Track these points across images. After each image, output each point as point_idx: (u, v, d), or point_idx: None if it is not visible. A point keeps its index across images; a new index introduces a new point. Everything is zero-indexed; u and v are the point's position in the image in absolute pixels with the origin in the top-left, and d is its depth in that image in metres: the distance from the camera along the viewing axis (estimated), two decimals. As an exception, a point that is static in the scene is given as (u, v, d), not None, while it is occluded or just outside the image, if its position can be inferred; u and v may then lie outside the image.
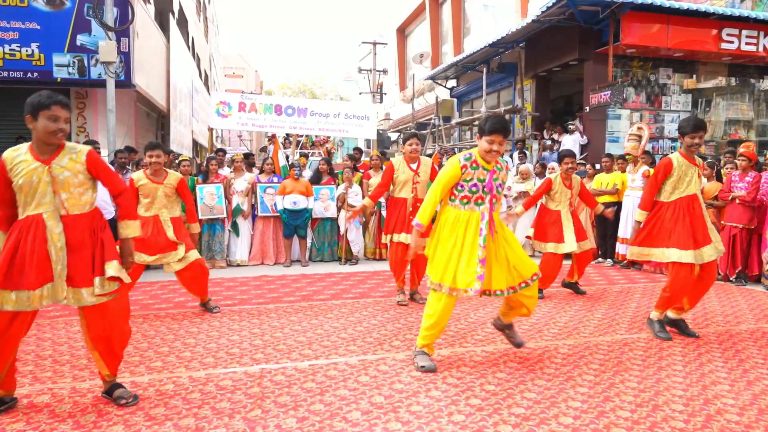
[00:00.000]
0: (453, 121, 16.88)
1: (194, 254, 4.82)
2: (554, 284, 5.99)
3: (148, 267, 6.25)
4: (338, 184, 8.25)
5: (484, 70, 13.84)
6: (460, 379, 3.26)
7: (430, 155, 8.00)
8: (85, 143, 7.09)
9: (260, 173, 8.26)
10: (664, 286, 4.23)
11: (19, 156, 2.75)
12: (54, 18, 9.32)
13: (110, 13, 8.86)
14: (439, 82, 17.80)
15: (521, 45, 13.03)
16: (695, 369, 3.50)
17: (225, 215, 7.65)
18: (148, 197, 4.74)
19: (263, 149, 16.04)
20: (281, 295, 5.75)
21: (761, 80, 12.38)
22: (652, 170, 6.68)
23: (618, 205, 7.84)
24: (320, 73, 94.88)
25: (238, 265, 7.73)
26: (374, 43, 28.31)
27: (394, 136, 26.00)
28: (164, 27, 13.08)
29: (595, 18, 10.34)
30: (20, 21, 9.20)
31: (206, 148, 18.82)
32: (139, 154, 8.46)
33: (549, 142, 11.94)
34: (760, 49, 10.82)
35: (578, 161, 7.48)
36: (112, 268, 2.82)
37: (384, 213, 7.50)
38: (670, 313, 4.32)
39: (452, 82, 18.04)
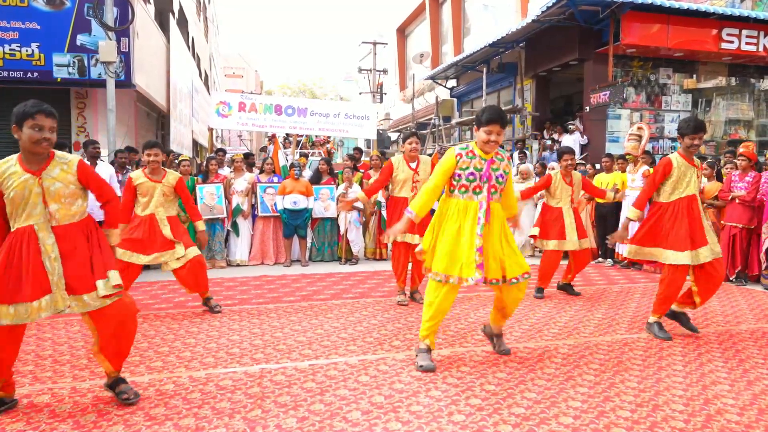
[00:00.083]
0: (453, 121, 16.88)
1: (193, 251, 4.80)
2: (553, 285, 5.99)
3: (148, 267, 6.29)
4: (338, 184, 8.25)
5: (484, 70, 13.84)
6: (460, 379, 3.27)
7: (430, 155, 8.00)
8: (85, 143, 7.13)
9: (260, 173, 8.26)
10: (659, 290, 4.23)
11: (10, 168, 2.71)
12: (54, 18, 9.32)
13: (110, 13, 8.86)
14: (439, 82, 17.80)
15: (521, 45, 13.03)
16: (695, 369, 3.50)
17: (225, 215, 7.65)
18: (146, 196, 4.73)
19: (263, 149, 16.03)
20: (281, 295, 5.75)
21: (761, 80, 12.38)
22: (652, 170, 6.68)
23: (618, 205, 7.84)
24: (320, 73, 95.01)
25: (238, 265, 7.74)
26: (374, 43, 28.31)
27: (394, 136, 26.00)
28: (164, 27, 13.07)
29: (595, 18, 10.34)
30: (20, 21, 9.19)
31: (206, 148, 18.81)
32: (139, 154, 8.46)
33: (549, 142, 11.94)
34: (760, 48, 10.82)
35: (578, 161, 7.49)
36: (113, 277, 2.81)
37: (384, 213, 7.50)
38: (674, 306, 4.32)
39: (452, 82, 18.04)
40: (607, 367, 3.51)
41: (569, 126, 11.93)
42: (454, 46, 19.65)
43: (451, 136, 17.74)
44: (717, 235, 6.93)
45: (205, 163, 8.41)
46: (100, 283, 2.76)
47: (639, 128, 8.04)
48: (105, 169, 6.85)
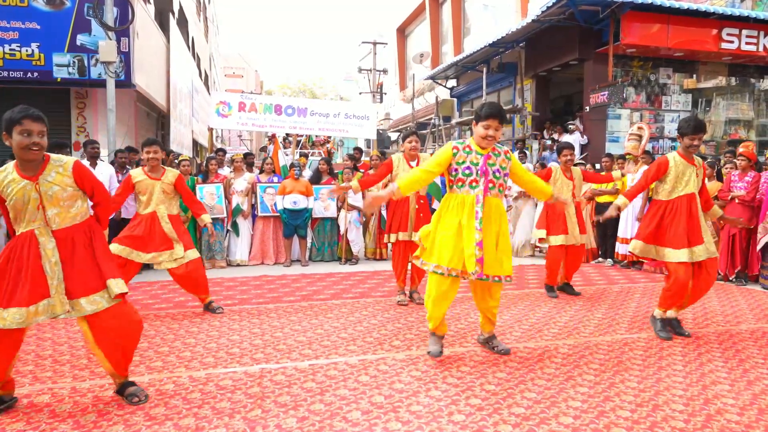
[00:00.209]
0: (453, 121, 16.88)
1: (192, 254, 4.79)
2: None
3: (148, 267, 6.29)
4: (338, 184, 8.25)
5: (484, 70, 13.84)
6: (460, 379, 3.27)
7: (430, 154, 7.99)
8: (85, 143, 7.14)
9: (260, 173, 8.26)
10: (665, 286, 4.24)
11: (8, 176, 2.71)
12: (54, 18, 9.32)
13: (110, 13, 8.87)
14: (439, 82, 17.80)
15: (521, 45, 13.02)
16: (695, 369, 3.50)
17: (225, 215, 7.66)
18: (145, 194, 4.73)
19: (263, 149, 16.03)
20: (281, 295, 5.75)
21: (761, 80, 12.38)
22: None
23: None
24: (320, 73, 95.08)
25: (238, 265, 7.74)
26: (374, 43, 28.30)
27: (394, 136, 26.00)
28: (164, 27, 13.07)
29: (595, 18, 10.34)
30: (20, 21, 9.20)
31: (206, 148, 18.80)
32: (139, 154, 8.46)
33: (549, 142, 11.94)
34: (760, 48, 10.82)
35: (578, 161, 7.49)
36: (118, 286, 2.81)
37: (384, 213, 7.50)
38: (668, 312, 4.32)
39: (452, 82, 18.03)
40: (607, 367, 3.51)
41: (569, 126, 11.93)
42: (454, 46, 19.65)
43: (451, 135, 17.73)
44: (717, 234, 6.94)
45: (205, 163, 8.41)
46: (111, 282, 2.78)
47: (639, 128, 8.01)
48: (105, 169, 6.86)
